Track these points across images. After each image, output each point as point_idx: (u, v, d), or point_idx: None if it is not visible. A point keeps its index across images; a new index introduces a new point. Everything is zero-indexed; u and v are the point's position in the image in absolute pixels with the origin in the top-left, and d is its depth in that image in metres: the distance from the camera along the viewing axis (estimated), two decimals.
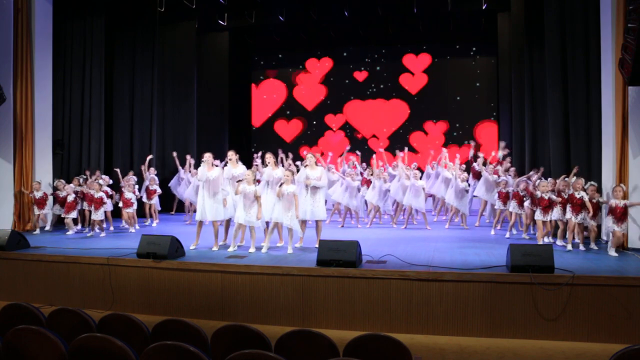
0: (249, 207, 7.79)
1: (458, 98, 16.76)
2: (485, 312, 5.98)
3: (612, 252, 7.23)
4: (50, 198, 10.53)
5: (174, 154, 12.44)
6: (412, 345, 3.63)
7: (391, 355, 3.45)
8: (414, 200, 10.63)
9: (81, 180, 10.78)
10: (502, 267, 6.34)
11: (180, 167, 12.29)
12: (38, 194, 10.24)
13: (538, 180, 8.80)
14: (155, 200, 11.56)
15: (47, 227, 10.31)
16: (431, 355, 5.48)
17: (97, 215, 9.66)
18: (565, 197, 7.87)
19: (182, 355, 3.01)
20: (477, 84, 16.62)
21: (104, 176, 11.10)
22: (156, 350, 3.10)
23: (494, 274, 6.09)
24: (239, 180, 7.87)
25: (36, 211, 10.26)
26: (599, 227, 8.09)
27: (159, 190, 11.63)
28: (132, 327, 3.87)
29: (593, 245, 7.76)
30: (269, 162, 8.58)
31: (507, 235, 9.27)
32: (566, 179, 8.13)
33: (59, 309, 4.18)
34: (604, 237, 8.25)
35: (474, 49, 16.62)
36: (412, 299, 6.16)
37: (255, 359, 2.93)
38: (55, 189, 10.57)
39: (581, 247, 7.73)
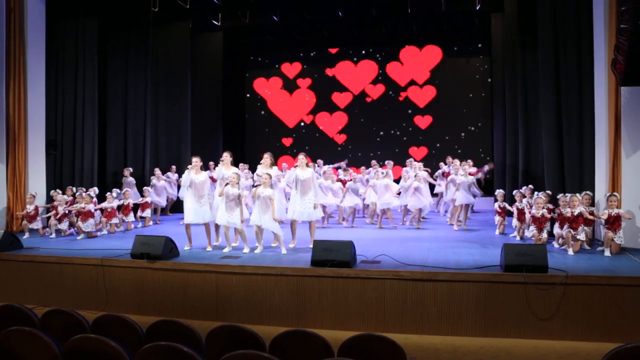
0: (231, 208, 7.79)
1: (452, 98, 16.80)
2: (479, 311, 6.00)
3: (607, 252, 7.25)
4: (41, 210, 10.14)
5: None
6: (406, 345, 3.63)
7: (385, 355, 3.45)
8: (380, 199, 10.72)
9: (74, 190, 10.63)
10: (496, 267, 6.36)
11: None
12: (30, 207, 9.86)
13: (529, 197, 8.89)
14: (130, 218, 11.02)
15: (53, 235, 9.76)
16: (425, 355, 5.49)
17: (85, 227, 9.44)
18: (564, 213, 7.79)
19: (176, 355, 3.01)
20: (471, 85, 16.66)
21: (93, 189, 10.90)
22: (150, 351, 3.09)
23: (488, 273, 6.11)
24: (227, 183, 7.86)
25: (27, 223, 9.83)
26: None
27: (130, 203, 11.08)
28: (126, 328, 3.86)
29: (586, 246, 7.78)
30: (262, 162, 8.58)
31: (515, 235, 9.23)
32: (567, 195, 8.09)
33: (52, 310, 4.17)
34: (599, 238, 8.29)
35: (468, 49, 16.66)
36: (406, 299, 6.17)
37: (249, 359, 2.93)
38: (51, 199, 10.36)
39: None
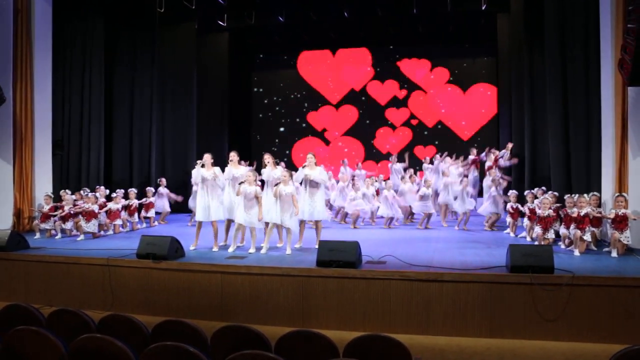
0: (250, 207, 7.80)
1: (458, 99, 16.77)
2: (485, 312, 5.98)
3: (614, 253, 7.21)
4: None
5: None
6: (412, 346, 3.62)
7: (391, 355, 3.45)
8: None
9: (83, 193, 10.58)
10: (501, 268, 6.34)
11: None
12: (46, 207, 9.88)
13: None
14: (135, 219, 11.04)
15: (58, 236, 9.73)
16: (431, 355, 5.48)
17: (89, 227, 9.42)
18: (571, 214, 7.74)
19: (182, 355, 3.01)
20: (477, 85, 16.62)
21: (101, 188, 10.81)
22: (156, 351, 3.10)
23: (494, 274, 6.09)
24: (241, 182, 7.87)
25: (39, 223, 9.84)
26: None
27: (135, 203, 11.00)
28: (131, 328, 3.87)
29: (592, 246, 7.74)
30: (267, 163, 8.58)
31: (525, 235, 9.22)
32: (574, 196, 8.06)
33: (58, 309, 4.19)
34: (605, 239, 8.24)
35: (474, 49, 16.62)
36: (412, 299, 6.16)
37: (255, 359, 2.93)
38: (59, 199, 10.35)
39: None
